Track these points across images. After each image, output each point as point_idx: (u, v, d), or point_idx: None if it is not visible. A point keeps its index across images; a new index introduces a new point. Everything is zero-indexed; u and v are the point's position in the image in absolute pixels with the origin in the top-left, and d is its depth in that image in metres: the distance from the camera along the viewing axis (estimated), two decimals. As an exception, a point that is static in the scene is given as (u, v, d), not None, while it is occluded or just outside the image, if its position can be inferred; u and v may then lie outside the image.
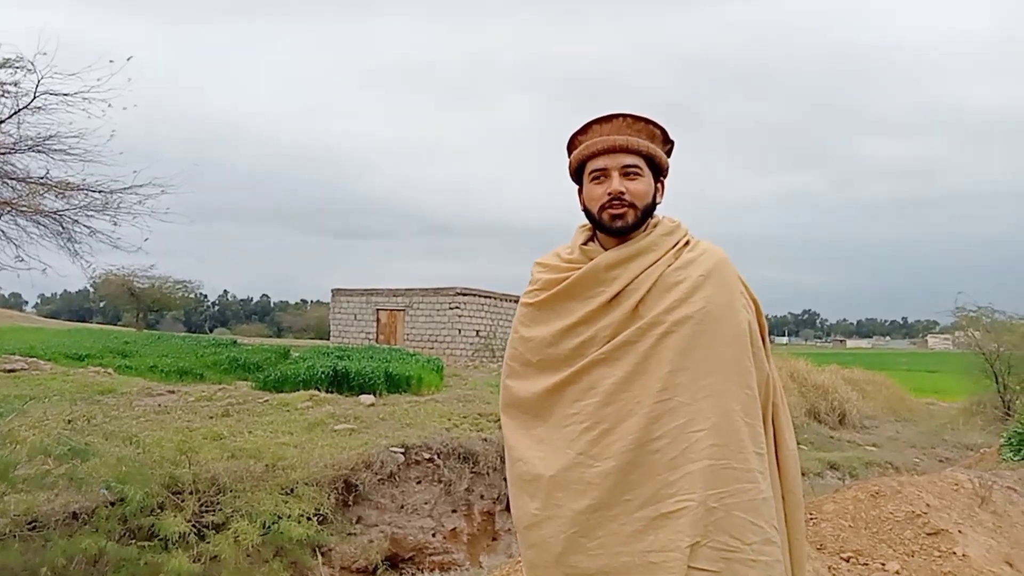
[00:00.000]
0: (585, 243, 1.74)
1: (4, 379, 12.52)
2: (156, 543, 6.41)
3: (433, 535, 8.97)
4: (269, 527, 6.91)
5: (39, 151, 8.56)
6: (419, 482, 9.25)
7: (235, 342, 22.89)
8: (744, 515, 1.48)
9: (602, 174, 1.65)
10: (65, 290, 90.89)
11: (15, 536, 5.67)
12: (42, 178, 8.59)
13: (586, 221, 1.77)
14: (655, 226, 1.69)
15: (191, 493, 7.02)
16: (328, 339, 27.29)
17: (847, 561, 3.20)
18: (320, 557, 7.35)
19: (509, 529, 9.24)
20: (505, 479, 1.81)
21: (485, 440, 9.82)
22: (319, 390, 12.87)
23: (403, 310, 24.54)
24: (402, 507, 8.89)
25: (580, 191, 1.74)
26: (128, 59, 8.28)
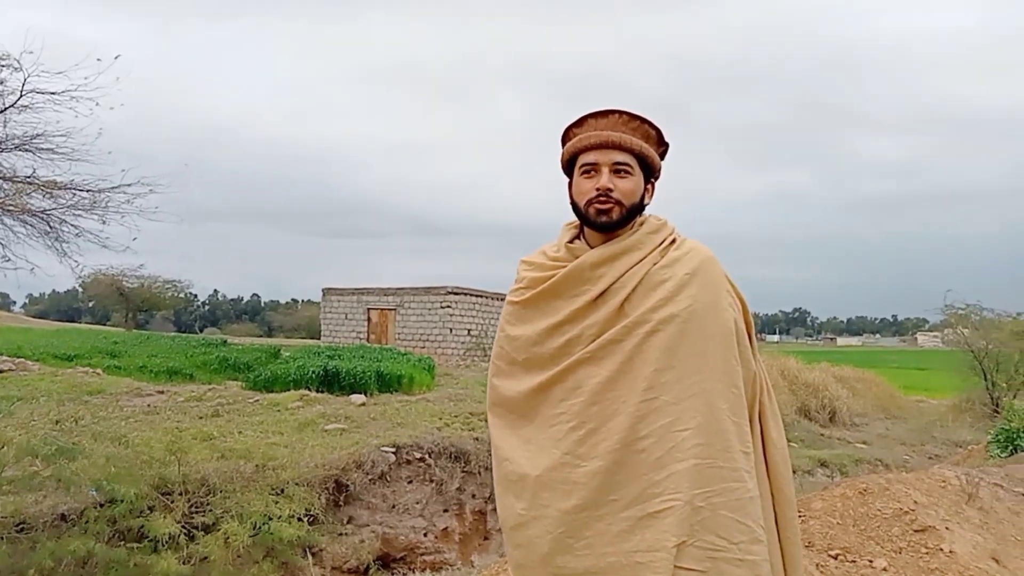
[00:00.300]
0: (571, 241, 1.74)
1: (-9, 380, 12.43)
2: (145, 544, 6.38)
3: (424, 535, 8.96)
4: (259, 528, 6.88)
5: (26, 150, 8.48)
6: (410, 482, 9.24)
7: (225, 342, 22.79)
8: (730, 514, 1.48)
9: (592, 169, 1.65)
10: (53, 290, 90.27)
11: (2, 538, 5.63)
12: (29, 177, 8.51)
13: (572, 219, 1.77)
14: (641, 224, 1.68)
15: (181, 494, 6.99)
16: (319, 339, 27.22)
17: (835, 558, 3.21)
18: (311, 557, 7.33)
19: (500, 528, 9.24)
20: None
21: (476, 439, 9.81)
22: (310, 390, 12.84)
23: (394, 309, 24.49)
24: (393, 507, 8.87)
25: (570, 184, 1.73)
26: (116, 57, 8.20)
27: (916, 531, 3.48)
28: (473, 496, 9.54)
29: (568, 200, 1.73)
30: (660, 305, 1.57)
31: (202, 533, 6.69)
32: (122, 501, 6.28)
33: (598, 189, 1.62)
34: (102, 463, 6.86)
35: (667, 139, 1.73)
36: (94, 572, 5.96)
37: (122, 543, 6.25)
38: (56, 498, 6.32)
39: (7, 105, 8.06)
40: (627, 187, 1.64)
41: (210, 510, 6.97)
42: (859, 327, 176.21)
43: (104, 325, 46.33)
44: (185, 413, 10.54)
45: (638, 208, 1.67)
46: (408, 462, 9.39)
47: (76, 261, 9.15)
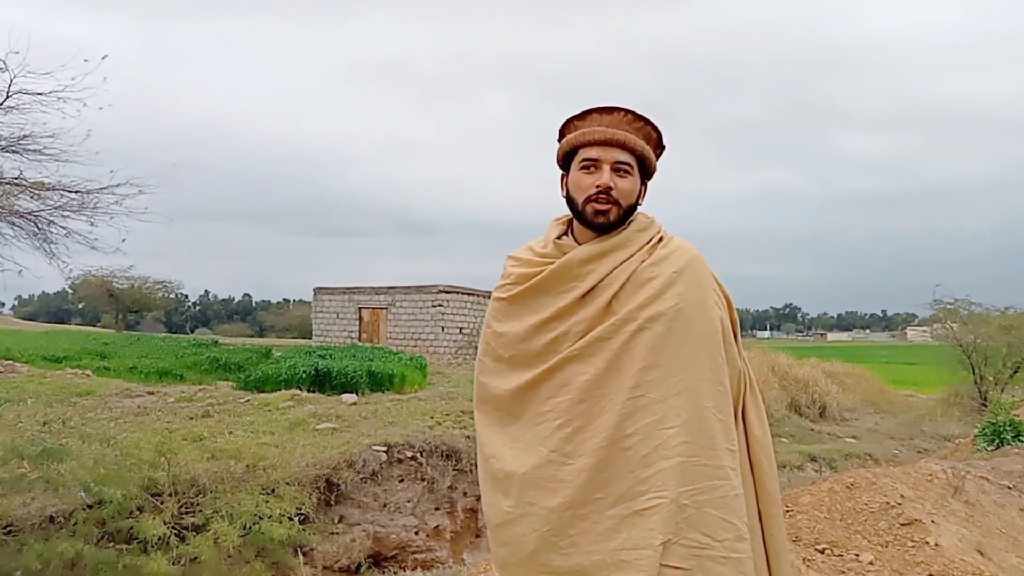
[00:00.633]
0: (559, 237, 1.72)
1: (-21, 382, 12.35)
2: (135, 546, 6.36)
3: (416, 533, 8.96)
4: (250, 528, 6.86)
5: (13, 151, 8.43)
6: (402, 480, 9.24)
7: (216, 342, 22.72)
8: (715, 512, 1.48)
9: (593, 165, 1.63)
10: (43, 292, 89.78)
11: (-10, 541, 5.60)
12: (16, 178, 8.47)
13: (560, 214, 1.76)
14: (630, 222, 1.68)
15: (170, 495, 6.97)
16: (310, 338, 27.15)
17: (822, 552, 3.22)
18: (302, 557, 7.31)
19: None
20: None
21: (468, 437, 9.81)
22: (301, 389, 12.81)
23: (386, 308, 24.45)
24: (385, 506, 8.87)
25: (563, 177, 1.71)
26: (103, 58, 8.16)
27: (902, 525, 3.51)
28: (465, 494, 9.54)
29: (562, 193, 1.72)
30: (647, 303, 1.57)
31: (192, 534, 6.67)
32: (111, 502, 6.24)
33: (598, 186, 1.61)
34: (90, 464, 6.83)
35: (664, 142, 1.72)
36: (83, 574, 5.94)
37: (111, 544, 6.22)
38: (44, 500, 6.29)
39: (-7, 106, 8.01)
40: (626, 187, 1.63)
41: (200, 511, 6.95)
42: (849, 322, 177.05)
43: (94, 326, 46.09)
44: (175, 414, 10.50)
45: (634, 208, 1.67)
46: (399, 461, 9.39)
47: (65, 262, 9.12)
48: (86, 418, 9.69)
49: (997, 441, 6.88)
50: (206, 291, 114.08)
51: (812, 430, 17.29)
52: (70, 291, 41.42)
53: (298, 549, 7.38)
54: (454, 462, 9.48)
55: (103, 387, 12.56)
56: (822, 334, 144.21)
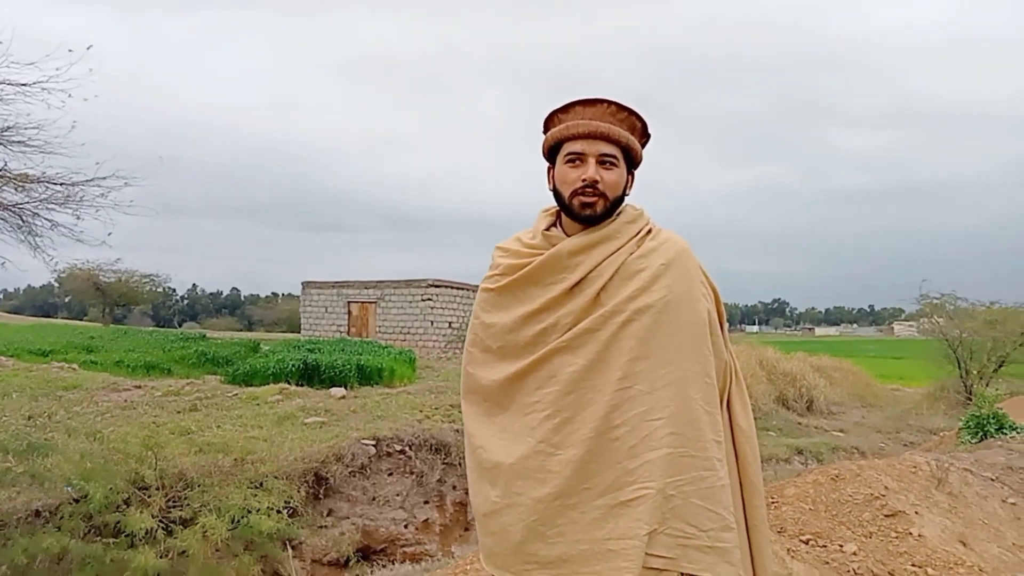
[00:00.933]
0: (547, 228, 1.72)
1: (-36, 376, 12.24)
2: (122, 540, 6.34)
3: (405, 526, 8.96)
4: (238, 521, 6.85)
5: (-3, 142, 8.34)
6: (391, 474, 9.24)
7: (204, 336, 22.59)
8: (701, 502, 1.49)
9: (578, 158, 1.63)
10: (29, 285, 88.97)
11: (-25, 535, 5.57)
12: (0, 171, 8.38)
13: (548, 205, 1.75)
14: (619, 214, 1.68)
15: (158, 489, 6.94)
16: (299, 332, 27.05)
17: (806, 543, 3.25)
18: (290, 550, 7.30)
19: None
20: None
21: (457, 431, 9.81)
22: (289, 383, 12.77)
23: (375, 302, 24.37)
24: (373, 499, 8.87)
25: (550, 170, 1.71)
26: (88, 48, 8.08)
27: (886, 516, 3.54)
28: (454, 487, 9.55)
29: (549, 186, 1.71)
30: (636, 295, 1.57)
31: (180, 527, 6.65)
32: (97, 497, 6.21)
33: (584, 180, 1.61)
34: (77, 459, 6.79)
35: (650, 131, 1.72)
36: (69, 568, 5.91)
37: (98, 539, 6.20)
38: (30, 494, 6.25)
39: (-25, 97, 7.92)
40: (612, 179, 1.63)
41: (188, 504, 6.93)
42: (837, 317, 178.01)
43: (81, 320, 45.77)
44: (162, 408, 10.45)
45: (621, 200, 1.67)
46: (388, 454, 9.38)
47: (50, 255, 9.05)
48: (72, 412, 9.63)
49: (981, 434, 6.95)
50: (194, 285, 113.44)
51: (799, 424, 17.40)
52: (56, 284, 41.19)
53: (287, 543, 7.37)
54: (443, 456, 9.48)
55: (89, 381, 12.47)
56: (810, 328, 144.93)
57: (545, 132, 1.72)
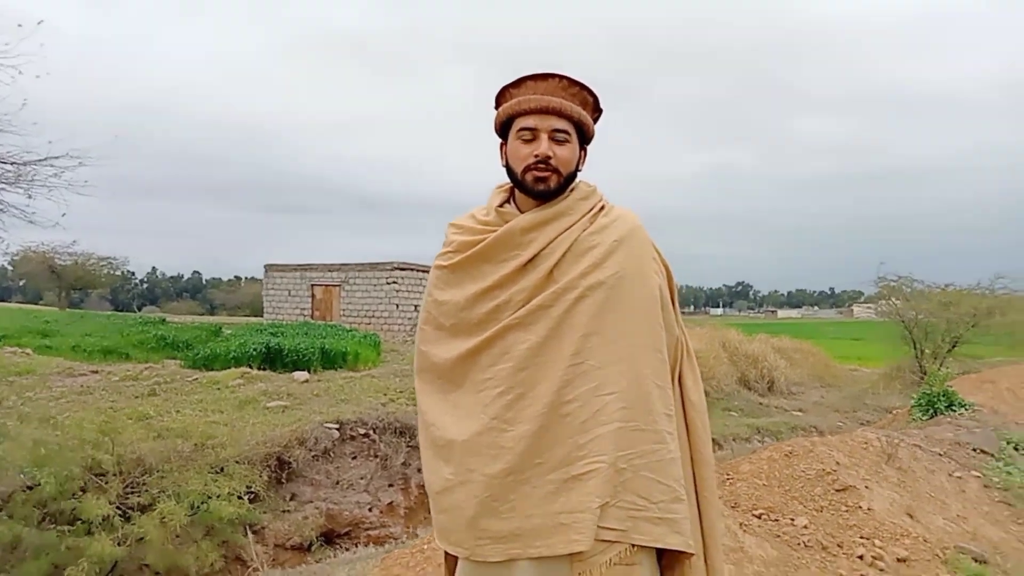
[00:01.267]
0: (501, 205, 1.71)
1: (-89, 362, 11.88)
2: (78, 527, 6.23)
3: (370, 510, 8.95)
4: (198, 507, 6.78)
5: (-60, 120, 8.05)
6: (355, 457, 9.21)
7: (163, 320, 22.21)
8: (652, 475, 1.51)
9: (531, 133, 1.62)
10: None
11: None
12: (-55, 149, 8.10)
13: (503, 182, 1.74)
14: (571, 190, 1.67)
15: (115, 475, 6.84)
16: (262, 316, 26.70)
17: (759, 517, 3.32)
18: (252, 536, 7.25)
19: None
20: None
21: (422, 414, 9.81)
22: (251, 367, 12.63)
23: (339, 285, 24.12)
24: (337, 483, 8.83)
25: (502, 146, 1.70)
26: (39, 23, 7.82)
27: (837, 490, 3.62)
28: (419, 470, 9.54)
29: (501, 162, 1.70)
30: (589, 271, 1.57)
31: (138, 514, 6.56)
32: (51, 484, 6.09)
33: (537, 156, 1.60)
34: (29, 445, 6.64)
35: (601, 106, 1.71)
36: (24, 556, 5.80)
37: (52, 526, 6.08)
38: (-20, 481, 6.11)
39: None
40: (565, 155, 1.62)
41: (146, 490, 6.84)
42: (799, 300, 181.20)
43: (36, 304, 44.65)
44: (120, 393, 10.27)
45: (574, 176, 1.66)
46: (352, 438, 9.35)
47: (1, 238, 8.78)
48: (25, 398, 9.42)
49: (931, 411, 7.14)
50: (154, 268, 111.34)
51: (761, 404, 17.72)
52: (10, 268, 40.04)
53: (248, 528, 7.31)
54: (408, 438, 9.47)
55: (44, 366, 12.20)
56: (773, 311, 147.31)
57: (497, 107, 1.70)
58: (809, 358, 23.29)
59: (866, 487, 3.72)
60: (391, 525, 9.05)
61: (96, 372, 12.14)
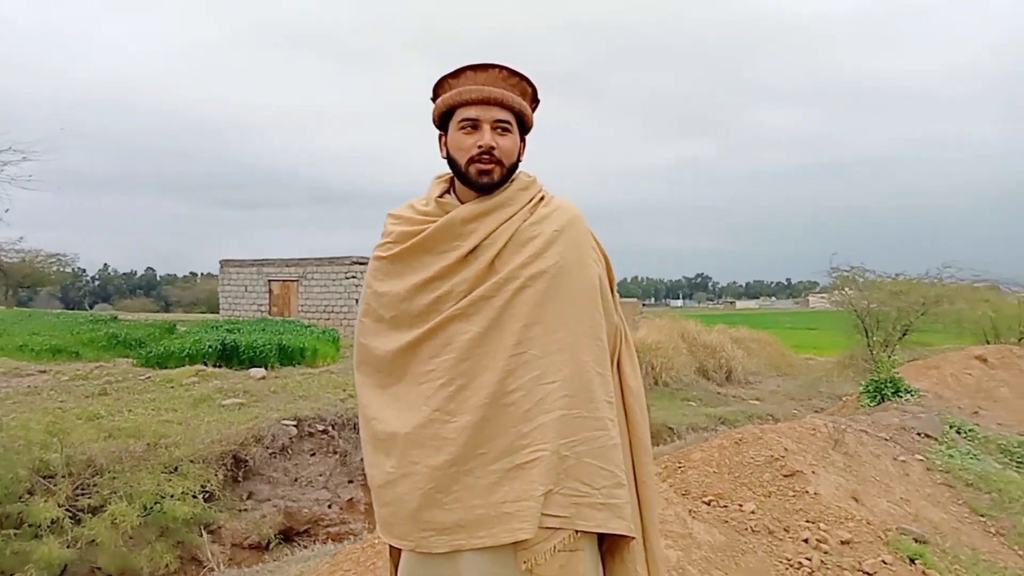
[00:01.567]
0: (441, 195, 1.70)
1: None
2: (26, 530, 6.08)
3: (329, 507, 8.88)
4: (151, 508, 6.66)
5: None
6: (313, 454, 9.13)
7: (115, 318, 21.68)
8: (594, 461, 1.52)
9: (473, 124, 1.61)
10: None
11: None
12: None
13: (442, 172, 1.73)
14: (512, 181, 1.67)
15: (64, 477, 6.69)
16: (219, 313, 26.24)
17: (708, 504, 3.38)
18: (207, 535, 7.15)
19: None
20: None
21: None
22: (206, 365, 12.43)
23: (297, 281, 23.79)
24: (295, 480, 8.75)
25: (441, 137, 1.69)
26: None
27: (785, 476, 3.71)
28: (378, 466, 9.51)
29: (441, 154, 1.69)
30: (530, 261, 1.58)
31: (88, 516, 6.42)
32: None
33: (480, 146, 1.59)
34: (-28, 448, 6.45)
35: (539, 96, 1.71)
36: (-34, 562, 5.64)
37: (-3, 530, 5.92)
38: (-81, 487, 5.91)
39: None
40: (508, 146, 1.62)
41: (97, 492, 6.71)
42: (757, 291, 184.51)
43: (-19, 304, 43.17)
44: (69, 393, 10.03)
45: (516, 167, 1.67)
46: (310, 434, 9.26)
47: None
48: (-33, 399, 9.13)
49: (879, 397, 7.34)
50: (106, 265, 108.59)
51: (719, 393, 18.02)
52: (-48, 266, 38.62)
53: (203, 528, 7.21)
54: (367, 434, 9.43)
55: (-11, 367, 11.83)
56: (731, 302, 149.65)
57: (434, 98, 1.69)
58: (766, 348, 23.76)
59: (813, 472, 3.82)
60: (351, 522, 9.00)
61: (44, 372, 11.84)
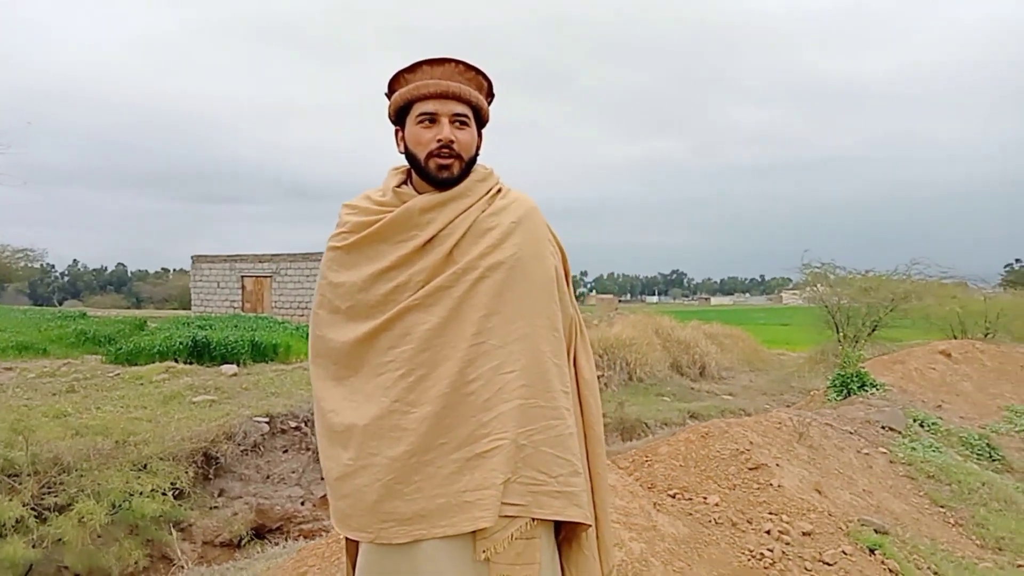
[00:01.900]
0: (398, 186, 1.70)
1: None
2: (-10, 530, 5.98)
3: (302, 504, 8.83)
4: (119, 506, 6.59)
5: None
6: (285, 451, 9.07)
7: (84, 314, 21.35)
8: (551, 450, 1.54)
9: (431, 118, 1.61)
10: None
11: None
12: None
13: (398, 164, 1.73)
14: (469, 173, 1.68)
15: (29, 475, 6.59)
16: (191, 309, 25.94)
17: (673, 497, 3.43)
18: (177, 533, 7.08)
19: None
20: None
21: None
22: (177, 361, 12.29)
23: (270, 276, 23.57)
24: (268, 477, 8.69)
25: (398, 132, 1.69)
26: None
27: (750, 469, 3.76)
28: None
29: (399, 149, 1.69)
30: (488, 252, 1.58)
31: (55, 514, 6.34)
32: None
33: (440, 140, 1.60)
34: (-67, 446, 6.33)
35: (495, 91, 1.72)
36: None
37: (-41, 530, 5.82)
38: None
39: None
40: (466, 139, 1.63)
41: (64, 490, 6.62)
42: (731, 287, 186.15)
43: (-54, 300, 42.26)
44: (36, 390, 9.87)
45: (474, 160, 1.67)
46: (283, 431, 9.20)
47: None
48: (-71, 397, 8.95)
49: (845, 391, 7.46)
50: (75, 261, 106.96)
51: (692, 389, 18.17)
52: (-84, 262, 37.72)
53: (173, 525, 7.14)
54: (340, 430, 9.38)
55: (-47, 364, 11.61)
56: (706, 298, 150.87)
57: (390, 94, 1.69)
58: (739, 343, 23.99)
59: (777, 465, 3.88)
60: (324, 518, 8.96)
61: (10, 369, 11.64)
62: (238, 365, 12.42)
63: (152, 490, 6.86)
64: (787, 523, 3.34)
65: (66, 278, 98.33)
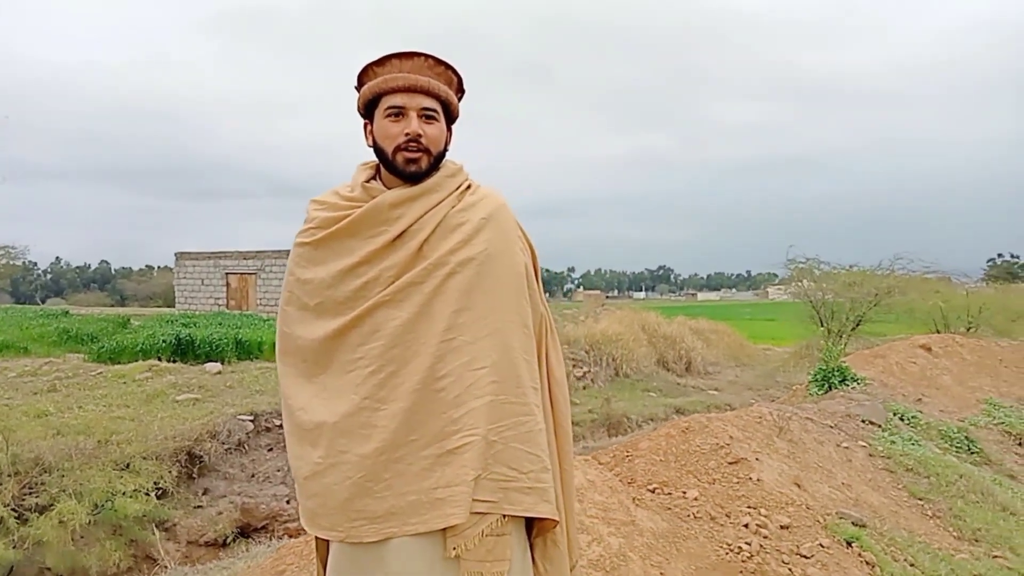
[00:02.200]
0: (367, 181, 1.69)
1: None
2: (-32, 532, 5.94)
3: (287, 502, 8.80)
4: (101, 506, 6.55)
5: None
6: (271, 449, 9.04)
7: (67, 312, 21.16)
8: (521, 446, 1.54)
9: (400, 112, 1.61)
10: None
11: None
12: None
13: (367, 160, 1.72)
14: (439, 168, 1.67)
15: (10, 475, 6.55)
16: (175, 307, 25.74)
17: (652, 491, 3.45)
18: (160, 533, 7.05)
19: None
20: None
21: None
22: (160, 360, 12.21)
23: (255, 273, 23.42)
24: (253, 476, 8.66)
25: (367, 126, 1.68)
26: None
27: (730, 463, 3.79)
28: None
29: (368, 143, 1.68)
30: (458, 248, 1.58)
31: (36, 515, 6.30)
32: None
33: (407, 134, 1.59)
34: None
35: (464, 86, 1.71)
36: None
37: (-63, 532, 5.77)
38: None
39: None
40: (434, 134, 1.62)
41: (45, 490, 6.58)
42: (718, 283, 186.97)
43: (-74, 299, 41.76)
44: (16, 389, 9.79)
45: (443, 155, 1.67)
46: (268, 429, 9.17)
47: None
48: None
49: (827, 386, 7.51)
50: (58, 258, 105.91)
51: (678, 384, 18.27)
52: None
53: (157, 525, 7.11)
54: (325, 428, 9.36)
55: (-68, 364, 11.48)
56: (693, 294, 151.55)
57: (359, 87, 1.68)
58: (725, 339, 24.15)
59: (757, 459, 3.91)
60: (309, 516, 8.96)
61: (-10, 368, 11.51)
62: (222, 363, 12.36)
63: (135, 490, 6.83)
64: (765, 517, 3.37)
65: (49, 275, 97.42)
